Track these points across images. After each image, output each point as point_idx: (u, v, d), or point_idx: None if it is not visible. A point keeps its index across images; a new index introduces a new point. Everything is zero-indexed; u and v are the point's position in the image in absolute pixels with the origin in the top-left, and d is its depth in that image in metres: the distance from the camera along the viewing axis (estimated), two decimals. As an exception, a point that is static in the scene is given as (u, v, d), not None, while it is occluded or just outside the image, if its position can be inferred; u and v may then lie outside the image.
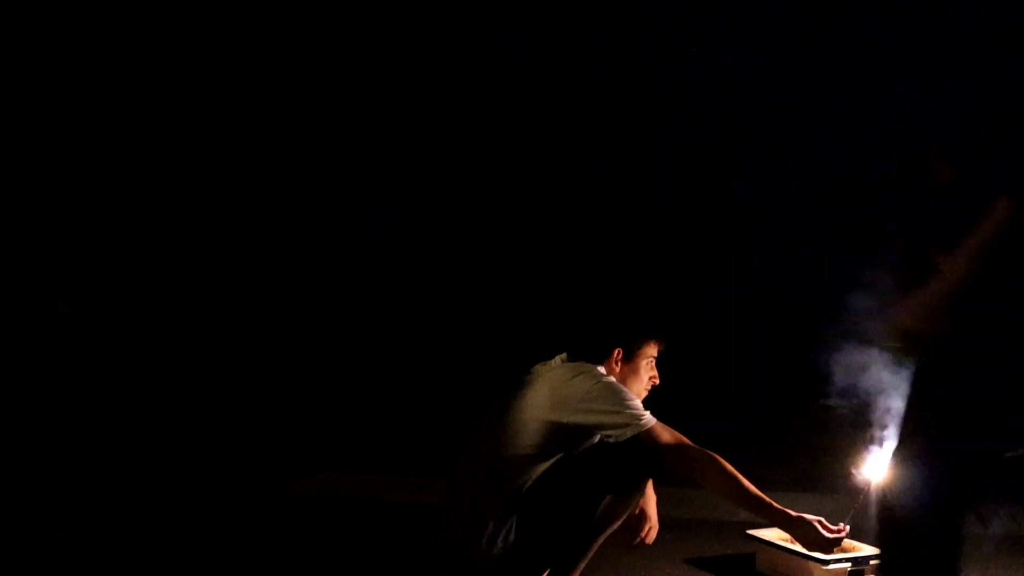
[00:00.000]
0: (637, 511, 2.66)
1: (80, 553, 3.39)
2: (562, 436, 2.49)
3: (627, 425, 2.44)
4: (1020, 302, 1.91)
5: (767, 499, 2.45)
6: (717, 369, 6.32)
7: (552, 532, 2.48)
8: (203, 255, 8.04)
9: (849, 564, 2.83)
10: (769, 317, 6.94)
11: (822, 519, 2.53)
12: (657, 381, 2.74)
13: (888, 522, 2.14)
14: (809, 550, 2.64)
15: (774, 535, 3.02)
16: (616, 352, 2.67)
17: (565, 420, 2.47)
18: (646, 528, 2.70)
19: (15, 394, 6.41)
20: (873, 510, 2.33)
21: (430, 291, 7.94)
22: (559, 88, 8.10)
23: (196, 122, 8.22)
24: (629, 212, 8.01)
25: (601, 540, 2.57)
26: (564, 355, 2.66)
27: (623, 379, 2.64)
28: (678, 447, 2.45)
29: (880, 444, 2.85)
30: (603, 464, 2.49)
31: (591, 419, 2.47)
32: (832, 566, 2.81)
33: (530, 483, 2.47)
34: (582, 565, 2.59)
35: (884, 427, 2.87)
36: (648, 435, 2.44)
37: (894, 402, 2.90)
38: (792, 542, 2.86)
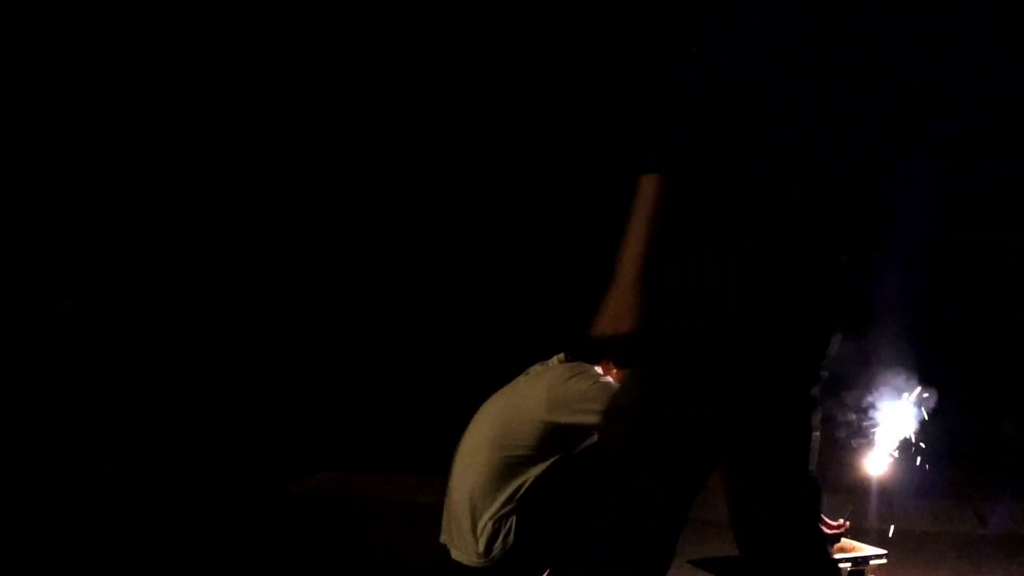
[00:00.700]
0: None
1: (80, 553, 3.39)
2: (560, 437, 2.49)
3: (625, 425, 2.44)
4: (723, 271, 1.69)
5: None
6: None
7: (551, 532, 2.48)
8: (203, 255, 8.04)
9: (849, 564, 2.83)
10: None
11: (821, 516, 2.53)
12: (655, 381, 2.74)
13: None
14: None
15: (774, 535, 3.01)
16: (614, 352, 2.67)
17: (563, 420, 2.47)
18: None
19: (15, 394, 6.42)
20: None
21: (430, 291, 7.94)
22: (559, 88, 8.10)
23: (196, 122, 8.22)
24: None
25: (600, 540, 2.57)
26: (562, 355, 2.66)
27: (620, 380, 2.64)
28: (677, 446, 2.45)
29: (880, 442, 2.86)
30: (601, 464, 2.48)
31: (589, 419, 2.47)
32: (832, 566, 2.80)
33: (529, 483, 2.48)
34: (581, 565, 2.59)
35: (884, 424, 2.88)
36: (647, 435, 2.44)
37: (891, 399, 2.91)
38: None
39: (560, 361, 2.64)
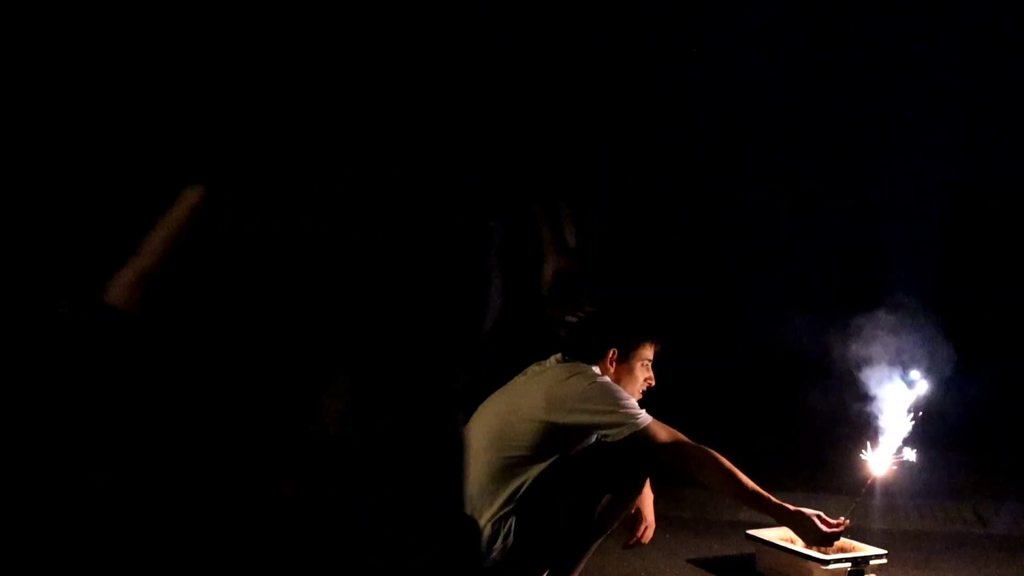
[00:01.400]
0: (633, 511, 2.65)
1: (80, 553, 3.38)
2: (559, 437, 2.49)
3: (623, 424, 2.44)
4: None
5: (765, 494, 2.47)
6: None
7: (551, 533, 2.47)
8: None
9: (849, 564, 2.83)
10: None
11: (821, 513, 2.54)
12: (653, 383, 2.74)
13: None
14: (808, 544, 2.65)
15: (775, 535, 3.01)
16: (611, 352, 2.67)
17: (561, 421, 2.47)
18: (642, 528, 2.70)
19: (15, 394, 6.42)
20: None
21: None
22: (559, 88, 8.10)
23: (196, 122, 8.22)
24: (628, 212, 8.01)
25: (600, 540, 2.57)
26: (559, 355, 2.66)
27: (618, 379, 2.64)
28: (675, 444, 2.46)
29: (880, 441, 2.86)
30: (601, 464, 2.49)
31: (587, 419, 2.47)
32: (832, 566, 2.80)
33: (528, 484, 2.47)
34: (581, 566, 2.59)
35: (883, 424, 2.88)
36: (644, 434, 2.44)
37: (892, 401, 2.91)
38: (793, 542, 2.86)
39: (558, 361, 2.64)
